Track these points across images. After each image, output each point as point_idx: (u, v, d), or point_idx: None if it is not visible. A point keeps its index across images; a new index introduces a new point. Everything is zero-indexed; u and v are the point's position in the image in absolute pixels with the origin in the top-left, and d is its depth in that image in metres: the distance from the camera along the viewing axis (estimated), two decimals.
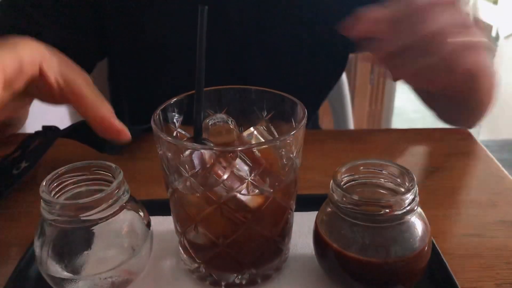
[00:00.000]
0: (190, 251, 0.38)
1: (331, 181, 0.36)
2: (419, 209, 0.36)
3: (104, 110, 0.39)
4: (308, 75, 0.75)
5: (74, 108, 0.40)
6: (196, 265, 0.39)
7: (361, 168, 0.38)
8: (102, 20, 0.67)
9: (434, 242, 0.40)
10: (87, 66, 0.46)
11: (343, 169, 0.37)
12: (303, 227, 0.44)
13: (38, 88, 0.39)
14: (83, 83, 0.40)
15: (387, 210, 0.33)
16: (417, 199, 0.35)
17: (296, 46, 0.71)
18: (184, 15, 0.67)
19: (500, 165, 0.58)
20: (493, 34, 3.38)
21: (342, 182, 0.36)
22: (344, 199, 0.34)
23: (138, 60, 0.73)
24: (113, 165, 0.36)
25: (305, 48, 0.72)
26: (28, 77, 0.37)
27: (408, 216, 0.34)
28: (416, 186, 0.35)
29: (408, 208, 0.34)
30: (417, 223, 0.35)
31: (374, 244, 0.34)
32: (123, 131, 0.40)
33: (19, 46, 0.37)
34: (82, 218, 0.33)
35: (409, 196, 0.34)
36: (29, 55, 0.37)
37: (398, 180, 0.37)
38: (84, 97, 0.39)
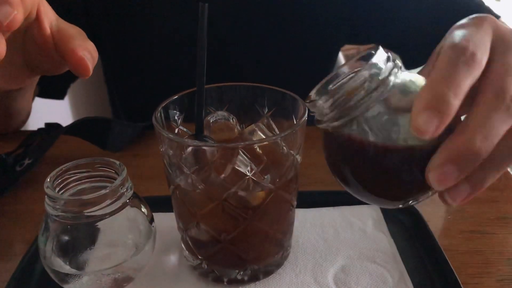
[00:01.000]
0: (192, 247, 0.39)
1: (305, 101, 0.32)
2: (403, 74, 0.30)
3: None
4: (298, 70, 0.74)
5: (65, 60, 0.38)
6: (198, 261, 0.39)
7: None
8: (90, 18, 0.68)
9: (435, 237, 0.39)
10: None
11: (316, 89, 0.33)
12: (304, 223, 0.44)
13: (32, 38, 0.39)
14: (75, 32, 0.39)
15: (363, 81, 0.29)
16: (399, 63, 0.30)
17: (284, 40, 0.71)
18: (173, 8, 0.67)
19: None
20: None
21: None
22: (330, 97, 0.31)
23: (129, 56, 0.73)
24: (117, 162, 0.36)
25: (294, 42, 0.72)
26: (30, 8, 0.36)
27: (391, 78, 0.29)
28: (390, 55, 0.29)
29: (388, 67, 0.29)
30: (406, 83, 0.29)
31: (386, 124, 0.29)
32: (84, 62, 0.38)
33: None
34: (86, 214, 0.33)
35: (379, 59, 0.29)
36: None
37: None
38: (76, 49, 0.37)
